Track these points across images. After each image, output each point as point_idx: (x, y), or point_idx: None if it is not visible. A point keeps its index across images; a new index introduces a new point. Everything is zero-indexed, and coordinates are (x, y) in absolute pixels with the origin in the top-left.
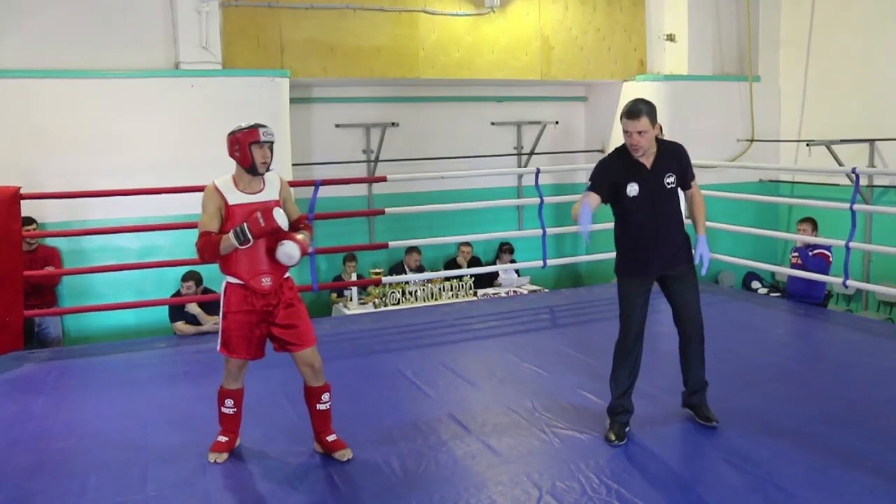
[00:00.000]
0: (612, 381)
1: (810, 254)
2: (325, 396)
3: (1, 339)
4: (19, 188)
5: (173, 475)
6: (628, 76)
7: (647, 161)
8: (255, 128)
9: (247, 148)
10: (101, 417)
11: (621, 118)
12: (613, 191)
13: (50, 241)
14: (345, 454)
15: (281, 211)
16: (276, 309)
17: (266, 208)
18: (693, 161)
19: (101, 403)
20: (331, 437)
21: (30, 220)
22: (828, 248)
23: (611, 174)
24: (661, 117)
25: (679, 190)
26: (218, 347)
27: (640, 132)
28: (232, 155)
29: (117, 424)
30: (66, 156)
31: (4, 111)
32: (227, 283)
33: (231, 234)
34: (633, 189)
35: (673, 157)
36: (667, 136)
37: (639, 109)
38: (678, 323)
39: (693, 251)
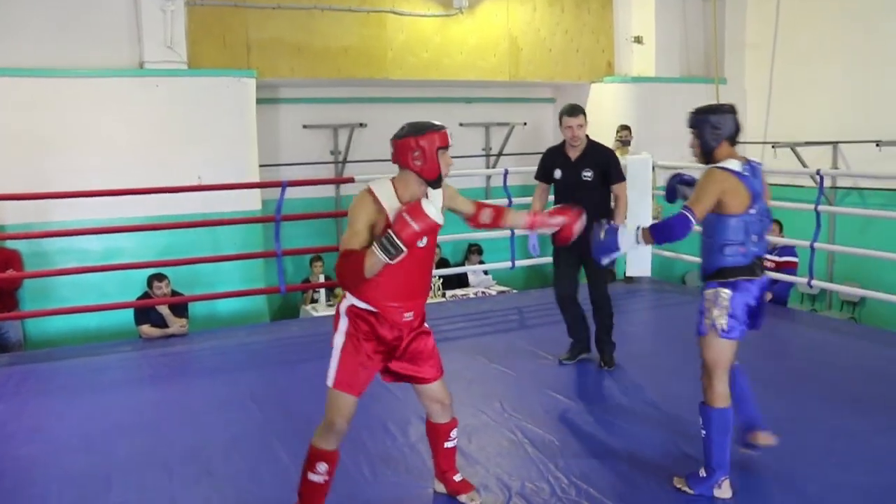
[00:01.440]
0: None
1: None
2: (454, 433)
3: None
4: None
5: (138, 482)
6: (596, 77)
7: (573, 154)
8: (441, 130)
9: (435, 155)
10: (64, 423)
11: (562, 116)
12: (548, 174)
13: (10, 244)
14: (473, 498)
15: (428, 201)
16: (404, 341)
17: (411, 204)
18: (660, 162)
19: (64, 409)
20: (457, 478)
21: None
22: (794, 254)
23: (546, 161)
24: (629, 119)
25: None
26: (330, 382)
27: (579, 125)
28: (408, 163)
29: (80, 430)
30: (27, 156)
31: None
32: (353, 306)
33: (376, 247)
34: (557, 174)
35: (597, 156)
36: (634, 137)
37: (578, 108)
38: (590, 298)
39: None
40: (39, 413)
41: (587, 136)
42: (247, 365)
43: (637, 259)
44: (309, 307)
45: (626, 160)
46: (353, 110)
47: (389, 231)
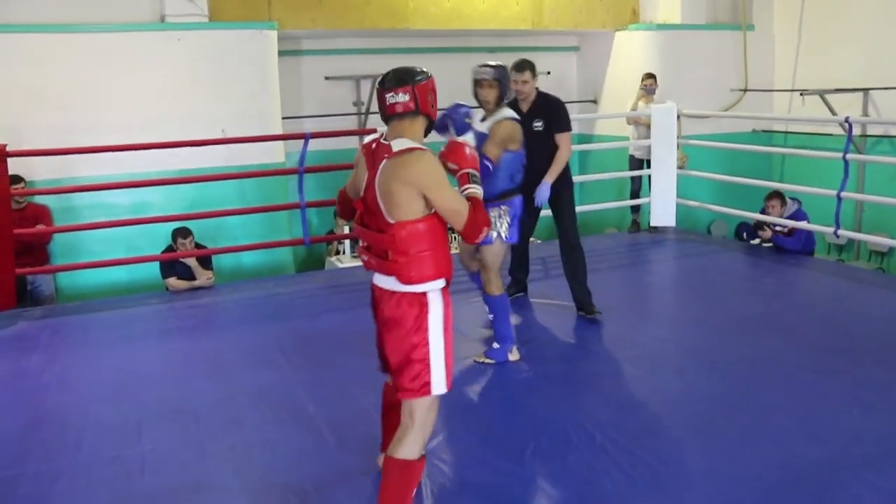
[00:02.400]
0: None
1: (786, 233)
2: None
3: None
4: (5, 146)
5: (167, 430)
6: (620, 25)
7: (524, 107)
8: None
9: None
10: (95, 374)
11: (510, 71)
12: None
13: (39, 199)
14: None
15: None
16: None
17: (457, 143)
18: (686, 111)
19: (94, 360)
20: None
21: (18, 179)
22: (801, 217)
23: None
24: (654, 67)
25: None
26: (440, 387)
27: (524, 81)
28: (427, 108)
29: (111, 380)
30: (53, 112)
31: None
32: (432, 291)
33: (473, 186)
34: None
35: (546, 107)
36: (659, 87)
37: (524, 63)
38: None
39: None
40: (72, 364)
41: (537, 88)
42: (273, 316)
43: (661, 209)
44: (334, 258)
45: (650, 109)
46: (375, 61)
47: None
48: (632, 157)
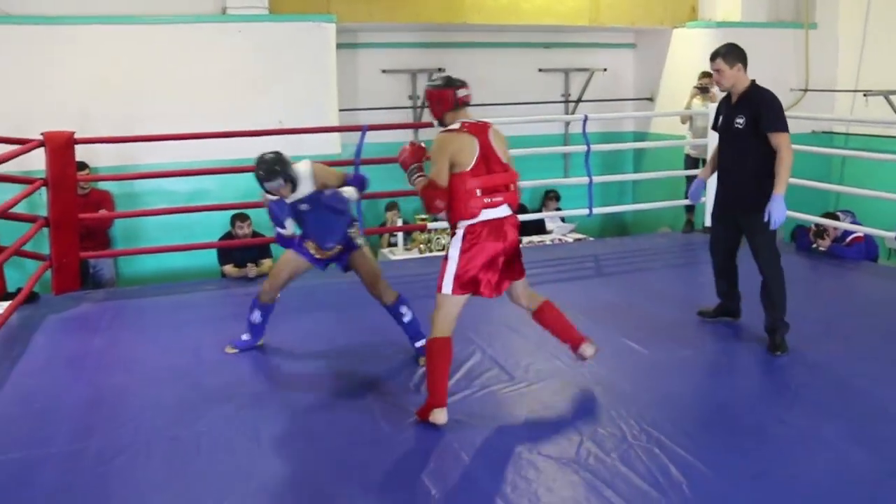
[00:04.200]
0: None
1: (844, 244)
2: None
3: (59, 280)
4: (73, 133)
5: (223, 412)
6: (679, 22)
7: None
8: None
9: None
10: (154, 356)
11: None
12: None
13: (102, 185)
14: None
15: None
16: None
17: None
18: None
19: (153, 343)
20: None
21: (83, 165)
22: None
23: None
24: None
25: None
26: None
27: (717, 70)
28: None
29: (169, 363)
30: (116, 101)
31: (58, 58)
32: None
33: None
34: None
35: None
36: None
37: (716, 51)
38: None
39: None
40: (131, 346)
41: (752, 80)
42: (329, 305)
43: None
44: (387, 250)
45: (706, 107)
46: (431, 55)
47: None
48: (687, 156)
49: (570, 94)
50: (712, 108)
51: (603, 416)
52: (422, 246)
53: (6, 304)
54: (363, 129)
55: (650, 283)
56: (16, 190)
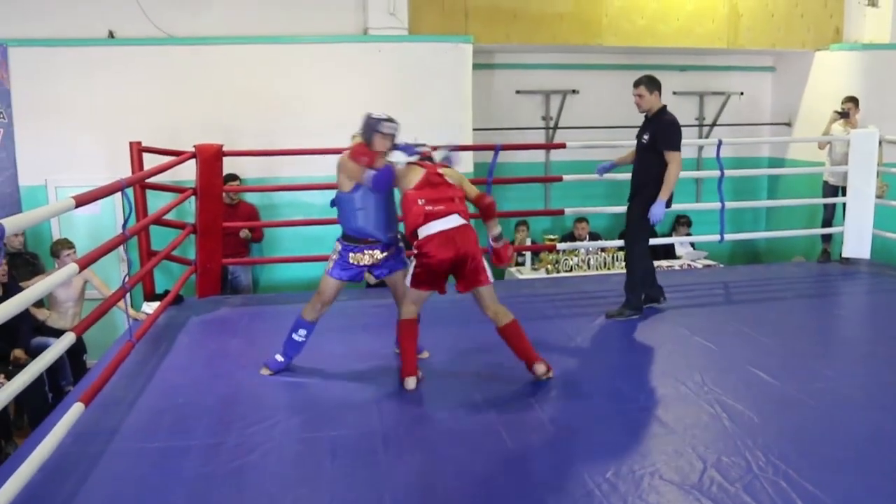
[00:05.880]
0: None
1: None
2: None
3: (202, 284)
4: (222, 146)
5: (352, 419)
6: (822, 45)
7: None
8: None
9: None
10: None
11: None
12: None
13: (247, 197)
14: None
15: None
16: None
17: None
18: (889, 137)
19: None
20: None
21: (233, 177)
22: None
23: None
24: (858, 90)
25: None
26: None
27: (638, 95)
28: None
29: (302, 367)
30: (261, 115)
31: (210, 74)
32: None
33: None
34: None
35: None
36: (862, 110)
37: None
38: None
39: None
40: (267, 349)
41: (663, 105)
42: (455, 320)
43: (855, 239)
44: (514, 269)
45: (847, 133)
46: (566, 76)
47: None
48: (826, 183)
49: (703, 118)
50: (855, 133)
51: (728, 445)
52: (549, 266)
53: (153, 304)
54: (496, 148)
55: (781, 313)
56: (168, 198)
